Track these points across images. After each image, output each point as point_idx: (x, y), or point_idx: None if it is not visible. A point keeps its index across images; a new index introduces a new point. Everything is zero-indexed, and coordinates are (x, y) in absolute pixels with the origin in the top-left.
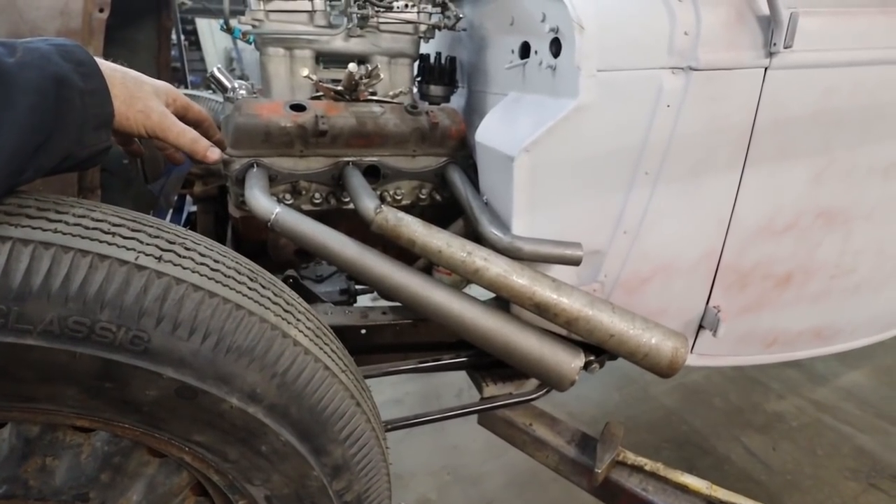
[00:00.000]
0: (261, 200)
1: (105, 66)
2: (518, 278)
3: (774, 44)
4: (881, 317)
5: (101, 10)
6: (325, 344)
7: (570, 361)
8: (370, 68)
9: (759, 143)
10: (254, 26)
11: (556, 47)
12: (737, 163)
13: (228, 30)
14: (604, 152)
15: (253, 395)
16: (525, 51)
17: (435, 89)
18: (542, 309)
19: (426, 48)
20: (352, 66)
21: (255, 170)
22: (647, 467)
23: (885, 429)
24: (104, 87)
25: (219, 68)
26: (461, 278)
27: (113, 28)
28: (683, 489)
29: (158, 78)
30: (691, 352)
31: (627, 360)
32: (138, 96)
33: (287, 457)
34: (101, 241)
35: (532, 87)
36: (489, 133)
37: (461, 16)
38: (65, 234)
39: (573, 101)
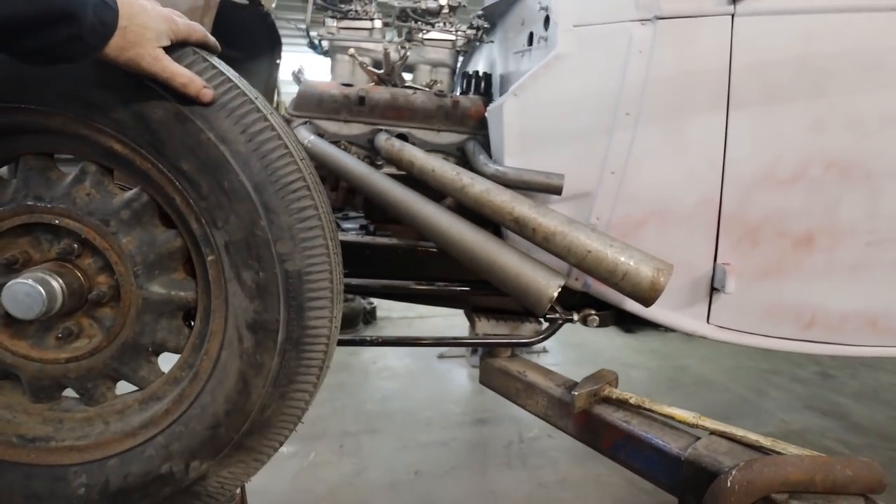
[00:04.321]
0: (301, 132)
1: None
2: (500, 195)
3: None
4: None
5: None
6: (289, 136)
7: (548, 279)
8: (402, 54)
9: (740, 87)
10: (327, 38)
11: (546, 22)
12: (719, 105)
13: (312, 45)
14: (586, 95)
15: (224, 138)
16: (531, 40)
17: None
18: (521, 224)
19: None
20: (386, 45)
21: (306, 124)
22: (632, 401)
23: None
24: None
25: (301, 68)
26: None
27: (240, 61)
28: (670, 421)
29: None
30: (707, 321)
31: (607, 284)
32: (132, 43)
33: (242, 199)
34: None
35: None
36: (494, 103)
37: (486, 26)
38: None
39: (554, 52)
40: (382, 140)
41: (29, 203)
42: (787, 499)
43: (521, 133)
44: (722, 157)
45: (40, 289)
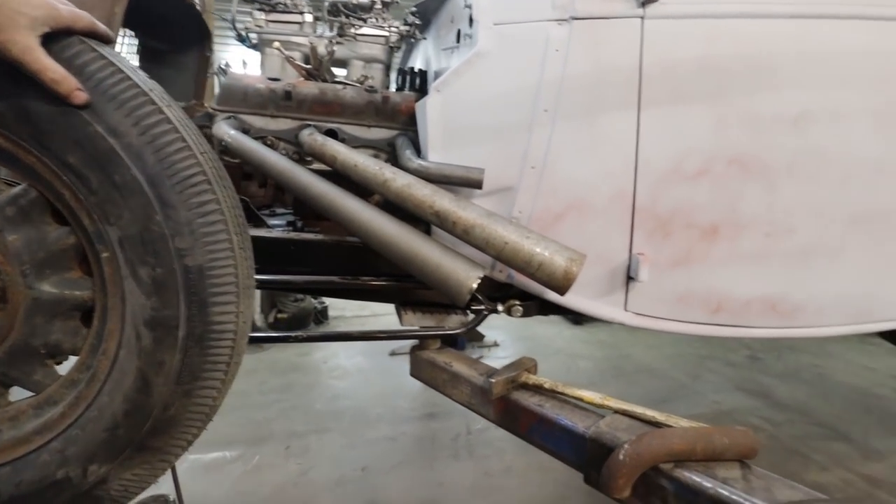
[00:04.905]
0: (222, 127)
1: None
2: (421, 189)
3: None
4: (851, 299)
5: None
6: (188, 128)
7: (468, 271)
8: (329, 48)
9: (650, 86)
10: (255, 31)
11: (471, 20)
12: (631, 103)
13: (240, 38)
14: (506, 92)
15: (114, 130)
16: (459, 38)
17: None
18: (441, 217)
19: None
20: (313, 40)
21: (230, 119)
22: (546, 385)
23: None
24: None
25: (225, 63)
26: None
27: (166, 53)
28: (580, 402)
29: (195, 94)
30: (625, 308)
31: (524, 274)
32: (2, 28)
33: (135, 193)
34: None
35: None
36: (421, 100)
37: (418, 22)
38: None
39: (474, 49)
40: (305, 135)
41: None
42: (672, 467)
43: (445, 128)
44: (634, 153)
45: None
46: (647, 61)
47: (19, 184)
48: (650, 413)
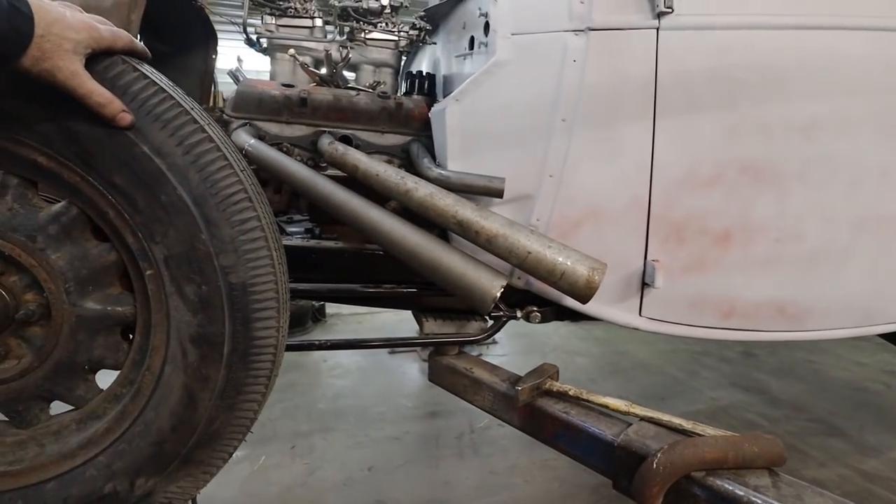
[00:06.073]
0: (241, 136)
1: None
2: (444, 198)
3: (657, 6)
4: (856, 302)
5: None
6: (228, 147)
7: (491, 279)
8: (343, 55)
9: (665, 95)
10: (266, 35)
11: (486, 28)
12: (647, 112)
13: (250, 42)
14: (524, 102)
15: (160, 151)
16: (472, 45)
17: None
18: (464, 227)
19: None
20: (327, 45)
21: (246, 126)
22: (571, 392)
23: None
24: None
25: (237, 67)
26: None
27: (170, 55)
28: (605, 409)
29: (201, 99)
30: (640, 314)
31: (547, 283)
32: (48, 54)
33: (181, 212)
34: None
35: (477, 70)
36: (437, 107)
37: (428, 27)
38: None
39: (493, 59)
40: (325, 144)
41: None
42: (704, 476)
43: (464, 137)
44: (650, 161)
45: None
46: (662, 71)
47: (57, 199)
48: (677, 421)
